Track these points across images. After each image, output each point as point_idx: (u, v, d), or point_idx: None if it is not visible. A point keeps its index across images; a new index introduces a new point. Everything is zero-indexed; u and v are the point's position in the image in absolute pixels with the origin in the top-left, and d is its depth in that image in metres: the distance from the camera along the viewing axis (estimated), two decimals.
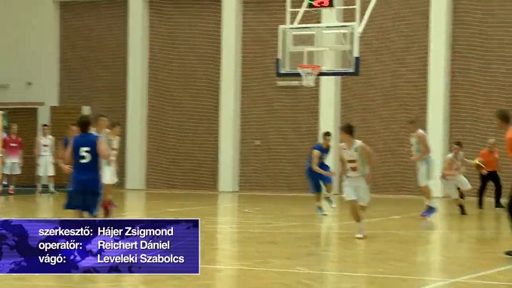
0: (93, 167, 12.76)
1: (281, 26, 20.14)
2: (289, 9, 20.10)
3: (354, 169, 14.50)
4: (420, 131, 18.53)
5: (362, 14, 19.76)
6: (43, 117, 28.99)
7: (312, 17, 22.82)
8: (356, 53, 19.51)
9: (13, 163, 26.12)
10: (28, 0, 28.98)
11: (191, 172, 27.85)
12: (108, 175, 19.94)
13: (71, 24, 29.25)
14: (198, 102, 27.89)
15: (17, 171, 26.44)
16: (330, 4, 19.81)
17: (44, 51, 29.10)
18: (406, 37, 25.57)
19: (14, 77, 29.12)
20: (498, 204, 20.39)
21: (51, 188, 26.53)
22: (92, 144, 12.76)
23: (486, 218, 19.64)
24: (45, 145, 26.51)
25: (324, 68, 20.26)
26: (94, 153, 12.74)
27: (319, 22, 22.68)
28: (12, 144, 26.34)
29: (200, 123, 27.82)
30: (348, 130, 14.61)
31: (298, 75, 20.11)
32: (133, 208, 23.30)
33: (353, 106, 26.05)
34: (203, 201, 23.96)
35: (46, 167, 26.46)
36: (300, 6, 20.24)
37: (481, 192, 20.76)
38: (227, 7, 27.21)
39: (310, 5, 19.98)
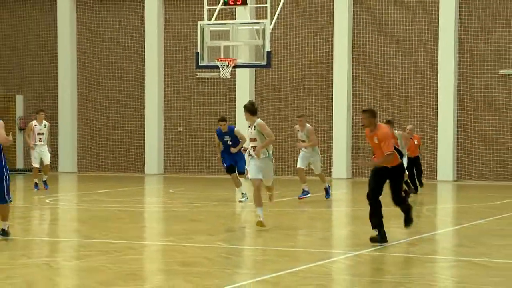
0: None
1: (200, 22, 20.07)
2: (206, 6, 20.02)
3: (255, 148, 13.21)
4: (308, 125, 18.12)
5: (273, 12, 19.87)
6: None
7: (228, 14, 22.91)
8: (267, 48, 19.55)
9: None
10: None
11: (120, 156, 27.75)
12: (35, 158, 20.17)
13: (1, 17, 28.72)
14: (125, 92, 27.76)
15: None
16: (244, 2, 19.80)
17: None
18: (312, 33, 25.86)
19: None
20: (421, 184, 20.10)
21: None
22: None
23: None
24: None
25: (239, 61, 20.26)
26: None
27: (234, 18, 22.74)
28: None
29: (127, 111, 27.70)
30: (247, 108, 13.30)
31: (216, 67, 20.11)
32: (66, 189, 23.12)
33: (266, 95, 26.25)
34: (131, 183, 23.92)
35: None
36: (216, 4, 20.24)
37: (411, 177, 19.31)
38: (149, 4, 27.08)
39: (226, 3, 19.94)
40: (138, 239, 12.80)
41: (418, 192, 19.75)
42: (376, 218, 11.56)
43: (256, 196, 13.15)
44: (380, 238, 11.44)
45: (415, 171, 19.78)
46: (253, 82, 26.39)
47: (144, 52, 27.25)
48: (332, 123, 25.48)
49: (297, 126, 18.21)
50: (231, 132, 17.82)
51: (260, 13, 22.80)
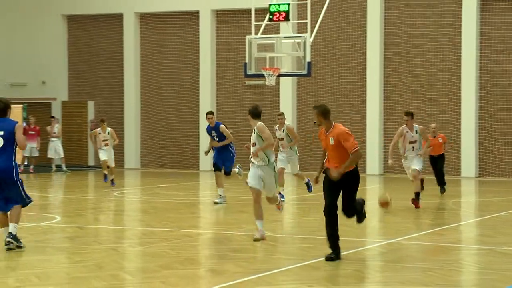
0: (7, 153, 9.63)
1: (248, 36, 20.12)
2: (254, 22, 20.10)
3: (255, 155, 10.89)
4: (288, 123, 16.37)
5: (313, 27, 19.82)
6: (56, 110, 28.79)
7: (272, 29, 22.86)
8: (308, 58, 19.52)
9: (31, 147, 25.99)
10: (42, 14, 28.67)
11: (177, 154, 27.84)
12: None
13: (76, 33, 29.02)
14: (182, 98, 27.84)
15: (35, 154, 26.34)
16: (287, 19, 19.83)
17: (55, 56, 28.86)
18: (348, 45, 25.67)
19: (31, 77, 28.84)
20: (441, 189, 17.79)
21: (64, 167, 26.48)
22: (8, 129, 9.69)
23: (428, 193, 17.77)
24: (54, 133, 26.43)
25: (283, 71, 20.26)
26: (10, 138, 9.67)
27: (278, 33, 22.69)
28: (30, 132, 26.23)
29: (184, 115, 27.77)
30: (249, 111, 11.19)
31: (262, 76, 20.14)
32: (131, 184, 23.26)
33: (307, 101, 26.11)
34: (187, 178, 23.98)
35: (55, 150, 26.42)
36: (263, 20, 20.27)
37: (439, 175, 17.94)
38: (203, 20, 27.16)
39: (271, 19, 20.00)
40: (193, 228, 12.82)
41: (442, 192, 17.68)
42: (333, 239, 9.30)
43: (254, 208, 10.84)
44: (336, 256, 9.24)
45: (434, 170, 17.96)
46: (295, 89, 26.28)
47: (199, 62, 27.31)
48: (366, 126, 25.29)
49: (276, 126, 16.11)
50: (216, 128, 16.14)
51: (301, 28, 22.74)
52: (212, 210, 15.62)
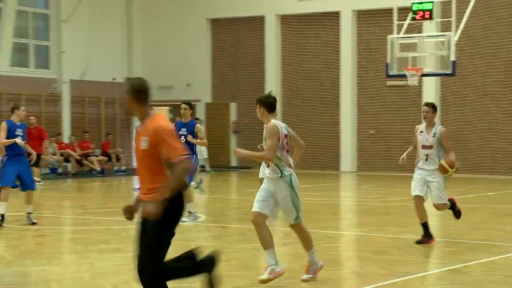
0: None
1: (389, 36, 19.87)
2: (396, 21, 19.82)
3: (268, 165, 7.71)
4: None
5: (457, 25, 19.29)
6: (200, 111, 29.50)
7: (415, 28, 22.38)
8: (452, 58, 19.09)
9: None
10: (187, 19, 29.48)
11: (318, 155, 27.61)
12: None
13: (220, 36, 29.62)
14: (322, 99, 27.79)
15: None
16: (430, 17, 19.44)
17: (199, 59, 29.58)
18: (494, 44, 24.76)
19: (177, 80, 29.71)
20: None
21: (208, 168, 27.08)
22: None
23: None
24: None
25: (426, 70, 19.94)
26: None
27: (420, 32, 22.21)
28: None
29: (324, 116, 27.72)
30: (262, 102, 7.87)
31: (404, 76, 19.83)
32: None
33: (451, 101, 25.41)
34: (328, 179, 23.84)
35: (200, 150, 27.02)
36: (405, 19, 19.94)
37: None
38: (344, 21, 27.01)
39: (413, 18, 19.70)
40: (334, 229, 12.72)
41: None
42: None
43: (259, 236, 7.76)
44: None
45: None
46: (438, 89, 25.62)
47: (340, 63, 27.18)
48: None
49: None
50: (190, 126, 12.75)
51: (444, 26, 22.13)
52: (354, 212, 15.46)
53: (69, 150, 25.38)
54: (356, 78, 27.04)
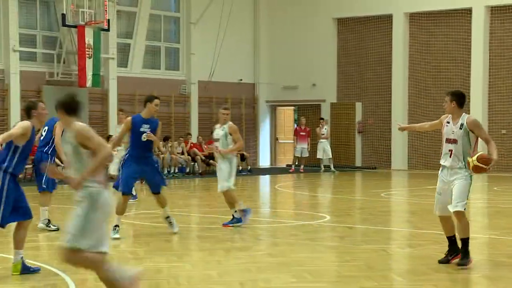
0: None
1: None
2: None
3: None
4: (231, 122, 12.09)
5: None
6: (325, 111, 29.49)
7: None
8: None
9: (302, 148, 26.88)
10: (314, 20, 29.55)
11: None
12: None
13: (345, 36, 29.49)
14: None
15: (306, 154, 27.22)
16: None
17: (324, 59, 29.56)
18: None
19: (302, 80, 29.83)
20: None
21: (332, 168, 27.04)
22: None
23: None
24: (323, 134, 27.05)
25: None
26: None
27: None
28: (301, 133, 27.15)
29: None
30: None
31: None
32: (399, 185, 23.08)
33: None
34: None
35: (324, 151, 27.02)
36: None
37: None
38: (476, 18, 26.26)
39: None
40: None
41: None
42: None
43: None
44: None
45: None
46: None
47: (470, 61, 26.45)
48: None
49: (217, 125, 12.21)
50: (155, 123, 11.14)
51: None
52: (484, 214, 15.00)
53: (195, 149, 25.99)
54: (488, 76, 26.22)
